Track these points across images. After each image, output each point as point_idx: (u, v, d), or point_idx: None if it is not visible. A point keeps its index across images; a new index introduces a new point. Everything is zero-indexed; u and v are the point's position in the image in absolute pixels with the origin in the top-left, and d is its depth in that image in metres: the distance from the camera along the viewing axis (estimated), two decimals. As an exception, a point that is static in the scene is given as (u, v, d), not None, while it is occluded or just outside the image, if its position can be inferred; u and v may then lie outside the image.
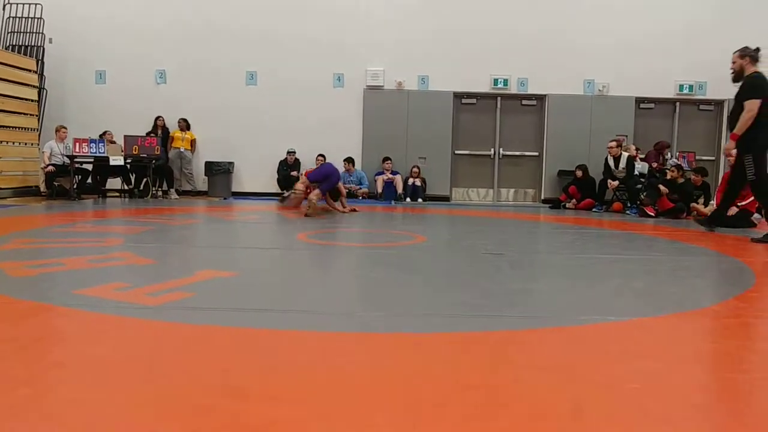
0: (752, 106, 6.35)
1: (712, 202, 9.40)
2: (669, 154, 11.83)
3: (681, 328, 2.83)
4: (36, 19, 11.92)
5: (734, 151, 6.60)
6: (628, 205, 10.21)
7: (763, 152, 6.44)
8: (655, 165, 11.15)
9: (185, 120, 12.08)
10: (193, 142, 12.20)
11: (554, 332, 2.68)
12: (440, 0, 12.33)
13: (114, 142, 10.87)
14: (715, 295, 3.60)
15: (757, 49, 6.60)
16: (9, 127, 10.78)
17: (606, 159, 10.82)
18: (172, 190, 11.72)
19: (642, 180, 10.41)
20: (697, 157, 12.14)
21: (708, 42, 12.14)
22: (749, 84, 6.51)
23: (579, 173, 11.17)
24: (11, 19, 12.00)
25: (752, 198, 7.86)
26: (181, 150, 12.03)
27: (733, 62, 6.69)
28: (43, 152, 10.61)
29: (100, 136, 10.85)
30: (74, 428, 1.61)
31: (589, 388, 1.98)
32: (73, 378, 2.01)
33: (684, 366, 2.26)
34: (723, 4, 12.32)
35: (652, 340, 2.62)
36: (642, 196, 9.80)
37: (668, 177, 9.49)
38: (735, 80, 6.67)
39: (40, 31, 11.92)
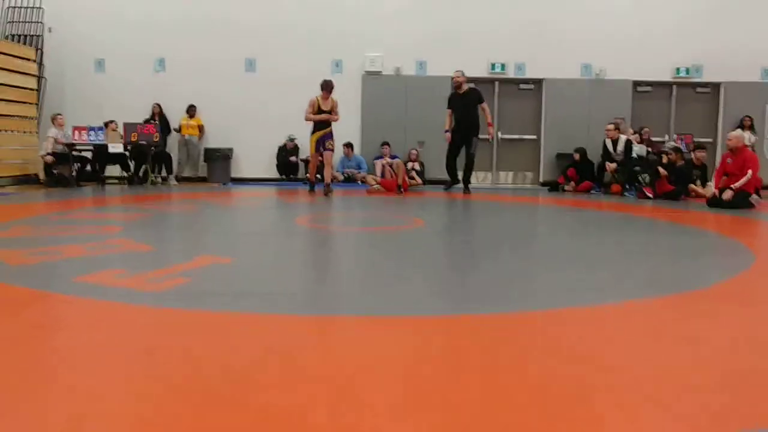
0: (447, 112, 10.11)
1: (710, 183, 9.41)
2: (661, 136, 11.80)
3: (681, 309, 2.85)
4: (35, 9, 11.86)
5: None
6: (627, 187, 10.21)
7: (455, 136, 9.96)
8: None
9: (193, 106, 12.05)
10: (200, 128, 12.18)
11: (554, 315, 2.69)
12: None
13: (115, 131, 10.84)
14: (715, 276, 3.61)
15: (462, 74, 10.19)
16: (8, 115, 10.76)
17: (604, 142, 10.82)
18: (172, 177, 11.72)
19: (639, 163, 10.39)
20: (695, 140, 12.11)
21: (705, 25, 12.09)
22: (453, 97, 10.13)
23: (577, 156, 11.16)
24: (11, 8, 11.94)
25: (746, 179, 7.92)
26: (186, 137, 12.02)
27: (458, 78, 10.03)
28: (48, 137, 10.57)
29: (105, 124, 10.80)
30: (75, 415, 1.64)
31: (590, 371, 1.99)
32: (73, 365, 2.04)
33: (685, 347, 2.27)
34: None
35: (652, 321, 2.63)
36: (640, 178, 9.79)
37: (665, 161, 9.48)
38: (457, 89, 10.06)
39: (40, 20, 11.87)
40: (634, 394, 1.79)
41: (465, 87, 9.98)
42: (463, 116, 9.88)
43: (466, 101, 9.90)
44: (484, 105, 10.02)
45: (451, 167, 10.23)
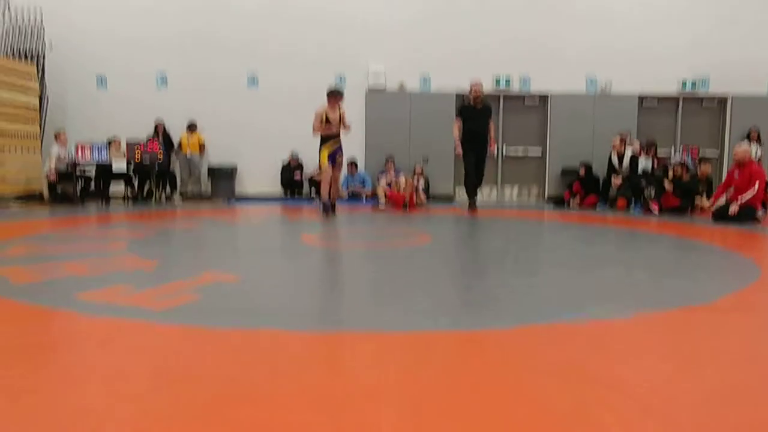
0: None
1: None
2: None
3: (685, 324, 2.81)
4: (36, 26, 11.92)
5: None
6: (632, 201, 10.17)
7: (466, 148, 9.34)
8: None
9: (193, 123, 12.05)
10: (201, 146, 12.16)
11: (559, 330, 2.66)
12: (442, 0, 12.32)
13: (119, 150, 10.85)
14: (720, 290, 3.57)
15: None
16: (11, 133, 10.79)
17: (609, 156, 10.79)
18: (176, 194, 11.71)
19: (644, 177, 10.35)
20: (701, 154, 12.10)
21: (711, 38, 12.12)
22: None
23: (582, 171, 11.14)
24: (11, 25, 12.00)
25: (751, 192, 7.90)
26: (187, 155, 12.00)
27: (479, 91, 9.40)
28: (51, 155, 10.58)
29: (109, 143, 10.79)
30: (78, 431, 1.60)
31: (593, 388, 1.96)
32: (77, 384, 2.00)
33: (689, 364, 2.23)
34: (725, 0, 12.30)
35: (656, 336, 2.60)
36: (645, 192, 9.75)
37: (670, 177, 9.45)
38: (475, 101, 9.47)
39: (41, 37, 11.92)
40: (635, 410, 1.76)
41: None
42: (477, 130, 9.39)
43: (481, 115, 9.47)
44: (492, 123, 9.66)
45: (470, 187, 9.63)
